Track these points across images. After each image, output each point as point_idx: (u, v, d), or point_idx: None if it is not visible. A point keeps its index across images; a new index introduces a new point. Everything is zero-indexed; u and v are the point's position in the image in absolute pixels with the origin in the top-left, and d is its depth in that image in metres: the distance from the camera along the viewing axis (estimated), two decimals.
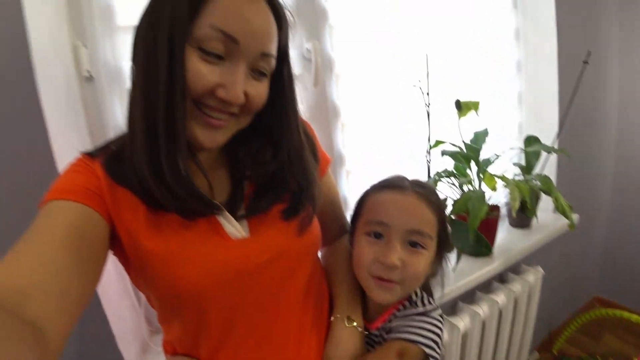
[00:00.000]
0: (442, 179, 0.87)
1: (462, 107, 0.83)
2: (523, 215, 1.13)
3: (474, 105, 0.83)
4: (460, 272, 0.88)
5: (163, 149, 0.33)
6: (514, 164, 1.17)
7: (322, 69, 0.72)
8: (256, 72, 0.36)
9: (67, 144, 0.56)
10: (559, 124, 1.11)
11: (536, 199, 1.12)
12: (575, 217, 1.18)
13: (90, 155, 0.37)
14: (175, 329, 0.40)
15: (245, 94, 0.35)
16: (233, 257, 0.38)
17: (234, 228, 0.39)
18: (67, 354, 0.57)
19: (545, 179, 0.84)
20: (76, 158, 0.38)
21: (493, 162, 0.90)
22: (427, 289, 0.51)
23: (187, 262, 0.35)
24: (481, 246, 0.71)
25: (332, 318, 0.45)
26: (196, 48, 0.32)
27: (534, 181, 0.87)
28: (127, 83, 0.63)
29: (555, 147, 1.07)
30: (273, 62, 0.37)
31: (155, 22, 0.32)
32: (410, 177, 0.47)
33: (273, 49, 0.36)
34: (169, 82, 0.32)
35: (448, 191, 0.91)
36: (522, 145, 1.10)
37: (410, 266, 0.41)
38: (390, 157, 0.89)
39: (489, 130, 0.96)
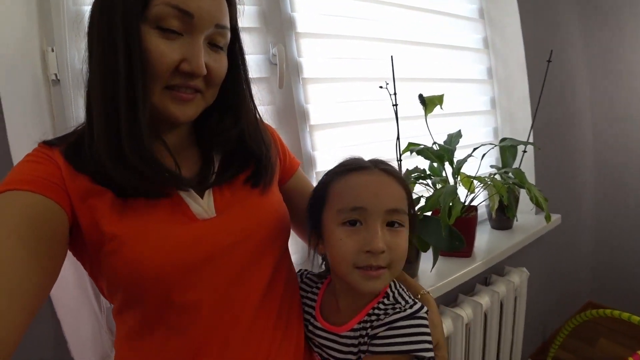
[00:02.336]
0: (412, 177, 0.87)
1: (426, 102, 0.84)
2: (503, 217, 1.13)
3: (439, 100, 0.85)
4: (439, 273, 0.86)
5: (125, 129, 0.33)
6: (491, 167, 1.19)
7: (286, 70, 0.74)
8: (213, 46, 0.38)
9: (30, 144, 0.56)
10: (531, 123, 1.14)
11: (515, 200, 1.13)
12: (556, 216, 1.19)
13: (49, 144, 0.37)
14: (132, 319, 0.38)
15: (207, 67, 0.36)
16: (199, 238, 0.37)
17: (200, 208, 0.39)
18: None
19: (517, 172, 0.85)
20: (34, 149, 0.37)
21: (466, 160, 0.91)
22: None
23: (150, 244, 0.35)
24: (454, 240, 0.70)
25: (421, 293, 0.47)
26: (154, 27, 0.34)
27: (507, 174, 0.88)
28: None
29: (530, 142, 1.09)
30: (228, 35, 0.39)
31: (107, 7, 0.34)
32: (368, 158, 0.45)
33: (226, 22, 0.38)
34: (128, 63, 0.33)
35: (422, 191, 0.91)
36: (498, 150, 1.13)
37: (395, 247, 0.39)
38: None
39: (462, 132, 0.98)
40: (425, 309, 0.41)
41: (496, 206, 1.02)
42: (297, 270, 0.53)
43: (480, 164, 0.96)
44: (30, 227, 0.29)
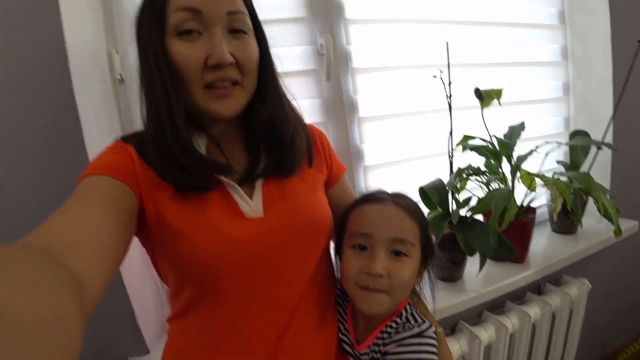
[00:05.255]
0: (465, 175, 0.88)
1: (483, 96, 0.84)
2: (567, 220, 1.10)
3: (496, 94, 0.84)
4: (488, 277, 0.89)
5: (167, 129, 0.41)
6: (558, 162, 1.15)
7: (334, 62, 0.78)
8: (234, 32, 0.43)
9: (101, 138, 0.66)
10: (612, 114, 1.07)
11: (582, 202, 1.09)
12: (632, 223, 1.14)
13: (124, 140, 0.46)
14: (181, 301, 0.46)
15: (233, 55, 0.42)
16: (247, 237, 0.43)
17: (248, 207, 0.45)
18: (88, 325, 0.67)
19: (584, 177, 0.83)
20: (113, 143, 0.46)
21: (526, 157, 0.90)
22: (417, 300, 0.56)
23: (202, 238, 0.42)
24: (503, 250, 0.72)
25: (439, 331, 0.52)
26: (175, 36, 0.41)
27: (573, 179, 0.86)
28: None
29: (606, 142, 1.04)
30: (246, 19, 0.44)
31: (138, 27, 0.43)
32: (391, 191, 0.53)
33: (237, 7, 0.43)
34: (159, 73, 0.41)
35: (474, 188, 0.92)
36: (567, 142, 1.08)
37: (395, 274, 0.46)
38: (411, 153, 0.93)
39: (525, 124, 0.96)
40: (433, 328, 0.48)
41: (559, 209, 1.01)
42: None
43: (544, 161, 0.94)
44: (113, 201, 0.37)
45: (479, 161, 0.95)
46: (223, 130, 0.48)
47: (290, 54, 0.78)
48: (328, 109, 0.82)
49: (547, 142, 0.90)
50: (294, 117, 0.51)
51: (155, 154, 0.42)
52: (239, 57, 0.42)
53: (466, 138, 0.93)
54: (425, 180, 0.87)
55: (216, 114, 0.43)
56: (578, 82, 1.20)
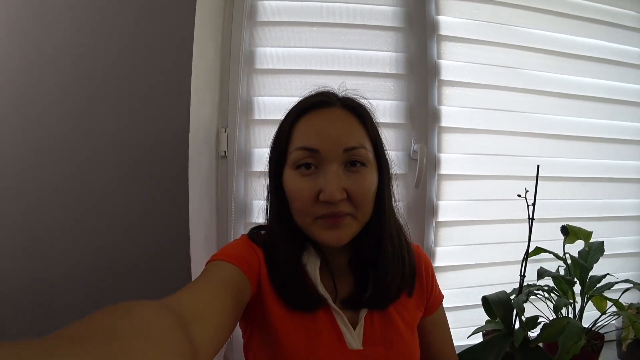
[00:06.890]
0: (536, 294, 0.90)
1: (569, 233, 0.86)
2: (638, 349, 1.06)
3: (584, 235, 0.86)
4: None
5: (279, 252, 0.49)
6: (630, 282, 1.10)
7: (426, 172, 0.85)
8: (352, 165, 0.46)
9: (199, 209, 0.75)
10: None
11: None
12: None
13: (254, 241, 0.52)
14: None
15: (347, 190, 0.45)
16: None
17: (352, 338, 0.49)
18: None
19: None
20: (243, 236, 0.54)
21: (602, 292, 0.90)
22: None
23: (299, 354, 0.47)
24: None
25: None
26: (294, 169, 0.47)
27: None
28: (253, 166, 0.84)
29: None
30: (363, 152, 0.46)
31: (268, 157, 0.52)
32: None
33: (355, 142, 0.46)
34: (276, 201, 0.50)
35: (543, 307, 0.93)
36: None
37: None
38: (484, 259, 0.97)
39: (604, 245, 0.95)
40: None
41: (630, 339, 0.99)
42: None
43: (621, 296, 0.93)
44: (234, 286, 0.42)
45: (550, 265, 0.96)
46: (334, 250, 0.52)
47: None
48: (410, 211, 0.88)
49: (627, 281, 0.90)
50: (402, 245, 0.53)
51: (271, 272, 0.49)
52: (353, 191, 0.45)
53: (538, 250, 0.95)
54: (493, 288, 0.90)
55: (325, 243, 0.46)
56: None
